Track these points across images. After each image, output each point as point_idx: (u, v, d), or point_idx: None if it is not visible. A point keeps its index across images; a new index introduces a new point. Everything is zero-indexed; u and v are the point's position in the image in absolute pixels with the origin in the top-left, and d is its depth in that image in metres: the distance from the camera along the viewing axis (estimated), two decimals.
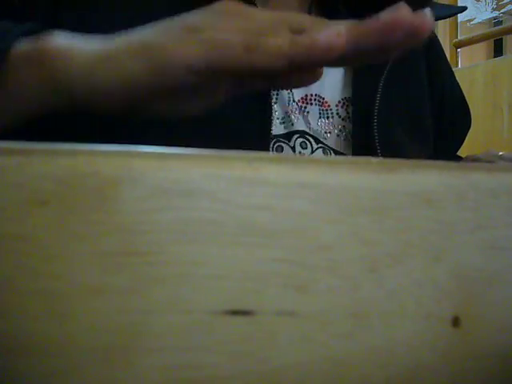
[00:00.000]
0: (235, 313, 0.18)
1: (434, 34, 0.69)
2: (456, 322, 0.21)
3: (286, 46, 0.28)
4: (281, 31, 0.29)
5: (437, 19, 0.68)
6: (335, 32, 0.28)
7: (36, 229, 0.16)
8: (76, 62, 0.31)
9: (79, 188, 0.17)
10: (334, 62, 0.31)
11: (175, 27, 0.31)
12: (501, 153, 0.63)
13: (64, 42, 0.33)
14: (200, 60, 0.29)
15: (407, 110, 0.60)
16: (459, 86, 0.70)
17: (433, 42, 0.67)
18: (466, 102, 0.71)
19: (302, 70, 0.34)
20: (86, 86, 0.31)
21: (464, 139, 0.72)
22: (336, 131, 0.54)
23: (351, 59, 0.32)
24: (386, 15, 0.29)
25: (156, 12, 0.48)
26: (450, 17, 0.74)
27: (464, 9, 0.74)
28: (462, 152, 0.74)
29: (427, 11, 0.29)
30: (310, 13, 0.59)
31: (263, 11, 0.32)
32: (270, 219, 0.18)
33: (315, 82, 0.36)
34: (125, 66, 0.30)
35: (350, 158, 0.21)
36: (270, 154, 0.22)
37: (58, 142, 0.17)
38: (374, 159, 0.21)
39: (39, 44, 0.33)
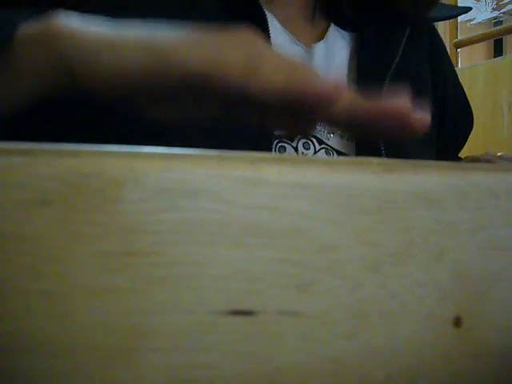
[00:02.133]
0: (237, 313, 0.18)
1: (440, 36, 0.69)
2: (457, 321, 0.21)
3: (283, 80, 0.29)
4: (283, 69, 0.30)
5: (440, 20, 0.68)
6: (333, 84, 0.28)
7: (39, 229, 0.16)
8: (82, 47, 0.32)
9: (82, 188, 0.17)
10: (325, 119, 0.32)
11: (185, 35, 0.31)
12: (499, 154, 0.63)
13: (72, 24, 0.33)
14: (198, 70, 0.30)
15: None
16: (462, 88, 0.70)
17: (437, 44, 0.67)
18: (469, 104, 0.71)
19: (296, 116, 0.35)
20: (89, 71, 0.32)
21: (466, 141, 0.72)
22: (339, 132, 0.54)
23: (341, 125, 0.33)
24: (386, 102, 0.30)
25: (154, 12, 0.48)
26: (453, 17, 0.74)
27: (468, 9, 0.74)
28: (461, 152, 0.74)
29: (426, 115, 0.31)
30: (314, 13, 0.59)
31: (274, 51, 0.32)
32: (272, 219, 0.18)
33: (307, 135, 0.37)
34: (127, 60, 0.31)
35: (352, 158, 0.21)
36: (273, 154, 0.22)
37: (62, 143, 0.18)
38: (374, 159, 0.21)
39: (46, 24, 0.33)
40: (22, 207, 0.16)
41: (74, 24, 0.33)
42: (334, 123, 0.34)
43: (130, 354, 0.17)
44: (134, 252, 0.17)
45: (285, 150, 0.50)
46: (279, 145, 0.50)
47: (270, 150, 0.49)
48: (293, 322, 0.19)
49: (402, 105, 0.30)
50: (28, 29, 0.34)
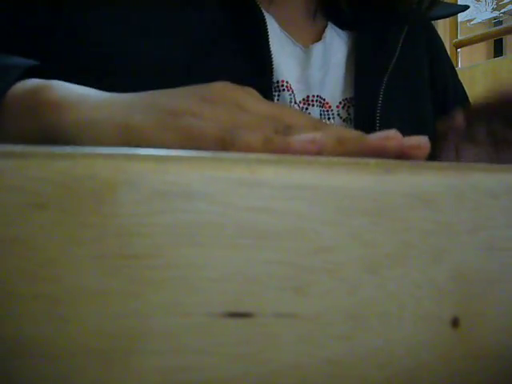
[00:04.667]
0: (234, 315, 0.18)
1: (438, 34, 0.69)
2: (455, 322, 0.21)
3: (260, 145, 0.28)
4: (262, 128, 0.29)
5: (438, 18, 0.68)
6: (310, 139, 0.27)
7: (34, 232, 0.16)
8: (67, 122, 0.33)
9: (77, 191, 0.17)
10: None
11: (158, 109, 0.31)
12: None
13: (60, 97, 0.34)
14: (174, 147, 0.29)
15: (409, 109, 0.60)
16: (462, 86, 0.70)
17: (435, 42, 0.67)
18: (469, 100, 0.71)
19: None
20: (73, 141, 0.33)
21: None
22: None
23: None
24: (373, 139, 0.29)
25: (153, 14, 0.49)
26: (451, 16, 0.73)
27: (466, 8, 0.74)
28: None
29: (424, 139, 0.29)
30: (315, 13, 0.59)
31: (254, 101, 0.32)
32: (268, 221, 0.18)
33: None
34: (104, 139, 0.31)
35: (349, 159, 0.21)
36: (269, 155, 0.22)
37: (57, 146, 0.17)
38: (372, 160, 0.21)
39: (37, 94, 0.34)
40: (16, 210, 0.16)
41: (62, 98, 0.34)
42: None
43: (127, 356, 0.17)
44: (130, 254, 0.17)
45: None
46: None
47: None
48: (290, 324, 0.19)
49: (390, 138, 0.28)
50: (19, 93, 0.35)
